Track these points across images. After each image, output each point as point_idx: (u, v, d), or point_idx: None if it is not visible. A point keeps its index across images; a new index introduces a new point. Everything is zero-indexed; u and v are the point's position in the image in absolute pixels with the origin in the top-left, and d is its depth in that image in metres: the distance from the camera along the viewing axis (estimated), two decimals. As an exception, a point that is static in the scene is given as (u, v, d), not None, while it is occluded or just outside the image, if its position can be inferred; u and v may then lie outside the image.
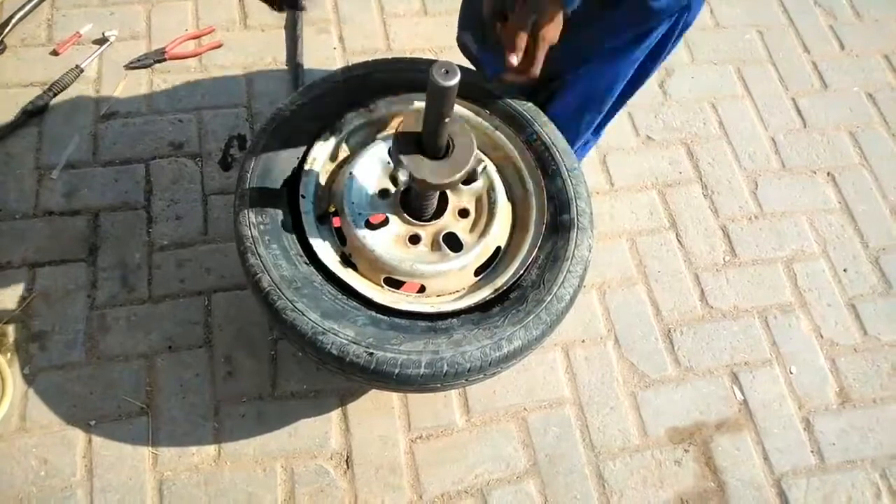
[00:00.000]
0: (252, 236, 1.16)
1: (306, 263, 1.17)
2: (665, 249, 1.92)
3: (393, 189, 1.28)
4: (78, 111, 1.89)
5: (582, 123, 1.55)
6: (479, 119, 1.35)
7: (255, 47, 2.05)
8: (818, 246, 2.00)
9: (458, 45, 1.62)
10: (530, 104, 1.37)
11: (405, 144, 1.09)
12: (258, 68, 2.02)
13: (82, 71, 1.93)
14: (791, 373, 1.81)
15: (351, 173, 1.26)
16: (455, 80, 0.92)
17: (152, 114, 1.92)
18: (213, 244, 1.77)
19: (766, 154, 2.12)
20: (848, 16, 2.42)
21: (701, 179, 2.04)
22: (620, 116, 2.07)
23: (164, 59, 1.98)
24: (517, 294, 1.18)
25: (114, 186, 1.81)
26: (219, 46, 2.03)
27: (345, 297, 1.15)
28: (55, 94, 1.88)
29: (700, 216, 1.98)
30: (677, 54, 2.23)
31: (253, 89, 1.99)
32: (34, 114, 1.85)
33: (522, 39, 1.12)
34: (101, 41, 1.99)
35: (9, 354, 1.60)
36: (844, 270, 1.95)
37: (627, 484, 1.62)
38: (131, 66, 1.95)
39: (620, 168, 2.02)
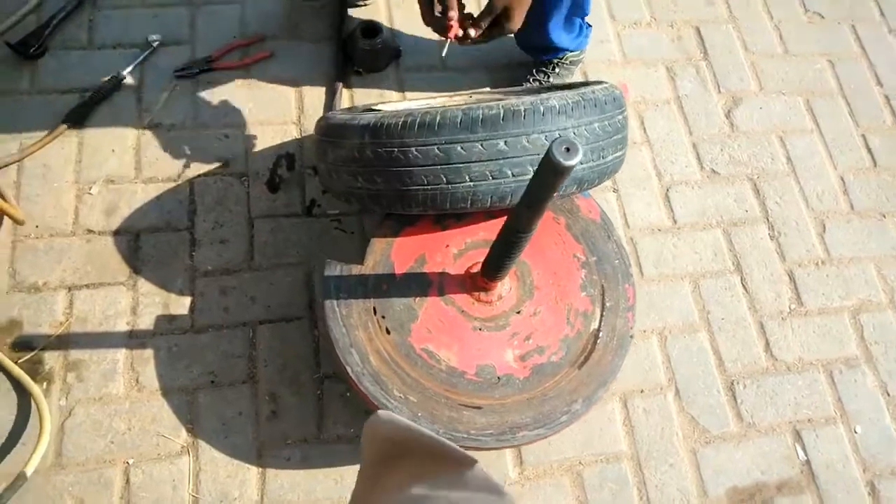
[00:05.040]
0: None
1: None
2: (729, 294, 1.83)
3: None
4: (120, 122, 1.79)
5: None
6: None
7: (307, 59, 1.95)
8: (885, 296, 1.90)
9: None
10: None
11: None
12: (309, 82, 1.92)
13: (124, 78, 1.83)
14: (856, 432, 1.72)
15: None
16: (577, 160, 0.83)
17: (198, 127, 1.82)
18: (259, 271, 1.68)
19: (835, 194, 2.01)
20: (922, 47, 2.30)
21: (767, 219, 1.94)
22: (685, 148, 1.98)
23: (211, 69, 1.88)
24: None
25: (156, 205, 1.72)
26: (268, 57, 1.92)
27: None
28: (96, 103, 1.79)
29: (766, 259, 1.89)
30: (745, 82, 2.12)
31: (304, 105, 1.89)
32: (74, 123, 1.75)
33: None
34: (144, 46, 1.88)
35: (45, 384, 1.52)
36: (914, 324, 1.86)
37: (687, 548, 1.55)
38: (177, 74, 1.85)
39: (683, 204, 1.92)
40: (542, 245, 1.40)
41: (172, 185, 1.75)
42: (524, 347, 1.31)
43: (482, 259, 1.36)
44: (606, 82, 1.41)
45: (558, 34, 1.77)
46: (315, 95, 1.90)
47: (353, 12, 2.02)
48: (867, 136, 2.12)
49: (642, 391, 1.68)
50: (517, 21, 1.34)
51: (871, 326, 1.85)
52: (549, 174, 0.87)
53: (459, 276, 1.35)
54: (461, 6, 1.34)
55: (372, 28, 1.89)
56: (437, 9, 1.34)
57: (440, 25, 1.34)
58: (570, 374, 1.30)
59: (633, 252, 1.83)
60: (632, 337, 1.37)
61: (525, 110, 1.19)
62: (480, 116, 1.18)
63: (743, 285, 1.85)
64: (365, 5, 2.02)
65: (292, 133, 1.85)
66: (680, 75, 2.11)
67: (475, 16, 1.36)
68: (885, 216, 2.01)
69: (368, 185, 1.27)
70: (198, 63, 1.87)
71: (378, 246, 1.36)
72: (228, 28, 1.95)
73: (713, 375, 1.73)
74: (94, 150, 1.75)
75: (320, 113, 1.88)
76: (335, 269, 1.32)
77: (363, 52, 1.90)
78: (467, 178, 1.20)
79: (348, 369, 1.24)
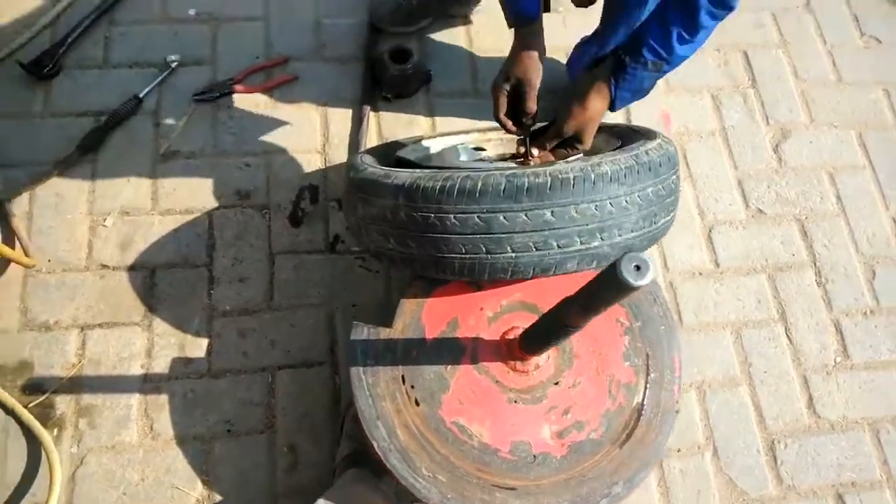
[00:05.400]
0: None
1: None
2: (773, 345, 1.73)
3: None
4: (136, 148, 1.71)
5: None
6: None
7: (333, 82, 1.85)
8: (937, 349, 1.80)
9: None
10: None
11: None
12: (335, 107, 1.82)
13: (141, 101, 1.74)
14: (903, 497, 1.63)
15: None
16: (647, 280, 0.74)
17: (217, 155, 1.73)
18: (279, 312, 1.61)
19: (886, 238, 1.90)
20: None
21: (815, 264, 1.83)
22: (730, 183, 1.88)
23: (232, 92, 1.78)
24: None
25: (173, 239, 1.64)
26: (292, 80, 1.82)
27: None
28: (112, 128, 1.70)
29: (812, 307, 1.78)
30: (795, 113, 2.00)
31: (329, 132, 1.79)
32: (88, 150, 1.67)
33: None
34: (162, 67, 1.79)
35: (56, 430, 1.46)
36: (968, 382, 1.76)
37: None
38: (196, 98, 1.76)
39: (727, 245, 1.82)
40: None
41: (191, 217, 1.67)
42: (562, 423, 1.23)
43: (519, 323, 1.28)
44: (658, 135, 1.31)
45: None
46: (341, 122, 1.81)
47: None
48: (923, 174, 2.00)
49: (679, 450, 1.60)
50: (589, 140, 1.27)
51: (920, 382, 1.75)
52: (614, 290, 0.78)
53: (494, 343, 1.26)
54: (534, 120, 1.34)
55: (402, 52, 1.79)
56: (503, 111, 1.36)
57: (506, 128, 1.39)
58: (611, 452, 1.22)
59: (672, 298, 1.73)
60: (677, 412, 1.28)
61: (574, 178, 1.10)
62: (526, 185, 1.09)
63: (787, 335, 1.75)
64: (402, 33, 1.90)
65: (316, 163, 1.76)
66: (726, 104, 1.99)
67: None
68: (940, 262, 1.89)
69: (401, 248, 1.18)
70: (218, 86, 1.78)
71: (408, 307, 1.27)
72: (251, 48, 1.85)
73: (753, 433, 1.64)
74: (109, 179, 1.67)
75: (346, 141, 1.79)
76: (362, 333, 1.24)
77: (393, 77, 1.79)
78: (509, 248, 1.11)
79: (374, 444, 1.17)
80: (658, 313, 1.34)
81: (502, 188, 1.09)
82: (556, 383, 1.25)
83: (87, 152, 1.67)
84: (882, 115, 2.05)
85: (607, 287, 0.79)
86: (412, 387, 1.21)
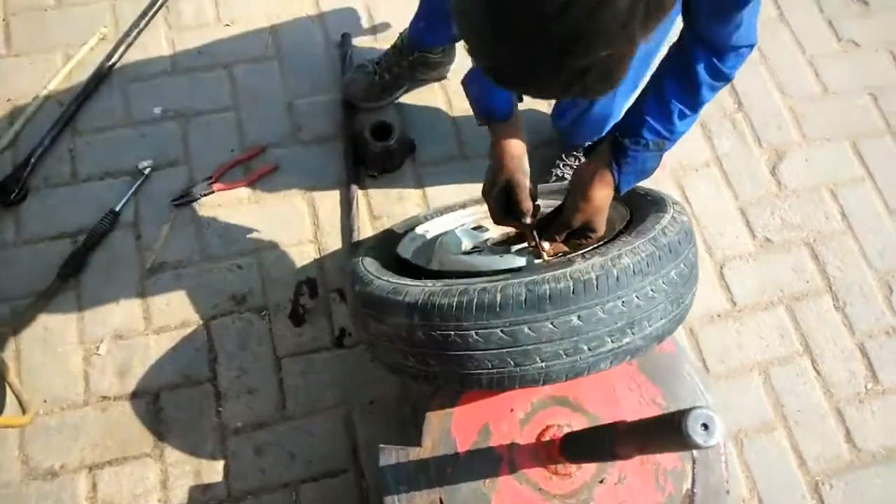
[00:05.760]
0: None
1: None
2: (801, 381, 1.69)
3: None
4: (120, 266, 1.63)
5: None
6: None
7: (314, 165, 1.78)
8: (965, 358, 1.77)
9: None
10: None
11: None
12: (321, 191, 1.75)
13: (118, 214, 1.66)
14: (954, 522, 1.60)
15: None
16: (717, 439, 0.68)
17: (206, 261, 1.65)
18: (294, 420, 1.53)
19: (897, 248, 1.87)
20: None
21: (831, 289, 1.79)
22: (733, 215, 1.83)
23: (212, 192, 1.71)
24: None
25: (172, 358, 1.56)
26: (273, 169, 1.75)
27: None
28: (91, 248, 1.62)
29: (835, 335, 1.74)
30: (786, 131, 1.96)
31: (318, 219, 1.72)
32: (70, 275, 1.59)
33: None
34: (135, 174, 1.71)
35: (75, 588, 1.37)
36: None
37: None
38: (176, 203, 1.68)
39: (740, 281, 1.77)
40: (617, 396, 1.25)
41: (187, 331, 1.59)
42: (613, 526, 1.17)
43: (552, 421, 1.22)
44: (668, 203, 1.25)
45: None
46: (330, 206, 1.74)
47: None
48: (921, 177, 1.97)
49: (724, 507, 1.55)
50: (602, 228, 1.21)
51: (952, 394, 1.72)
52: (677, 445, 0.72)
53: (531, 447, 1.19)
54: (535, 213, 1.26)
55: (383, 128, 1.72)
56: (499, 217, 1.28)
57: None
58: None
59: (694, 345, 1.69)
60: (728, 492, 1.22)
61: (597, 277, 1.04)
62: (548, 292, 1.02)
63: (815, 368, 1.70)
64: (379, 107, 1.84)
65: (310, 253, 1.69)
66: (716, 132, 1.95)
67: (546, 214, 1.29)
68: (952, 266, 1.87)
69: (421, 367, 1.11)
70: (196, 187, 1.70)
71: (435, 421, 1.20)
72: (225, 141, 1.78)
73: (796, 477, 1.59)
74: (97, 303, 1.59)
75: (338, 226, 1.72)
76: (391, 458, 1.17)
77: (376, 154, 1.73)
78: (538, 359, 1.05)
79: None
80: (691, 386, 1.28)
81: (523, 299, 1.03)
82: (601, 481, 1.19)
83: (69, 278, 1.59)
84: (873, 122, 2.02)
85: (671, 442, 0.73)
86: (452, 509, 1.15)
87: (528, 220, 1.24)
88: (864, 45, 2.13)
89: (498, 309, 1.03)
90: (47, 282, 1.58)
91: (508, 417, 1.22)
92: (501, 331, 1.03)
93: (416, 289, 1.11)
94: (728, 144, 1.94)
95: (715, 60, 1.11)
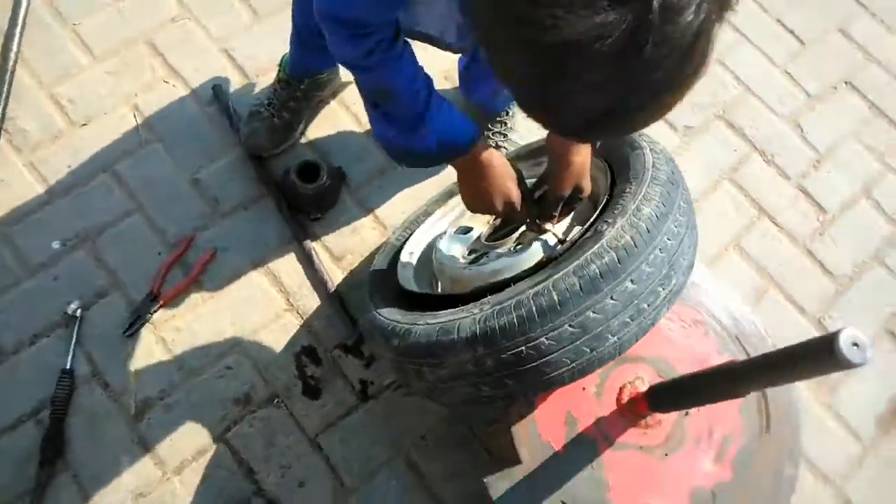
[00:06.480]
0: None
1: None
2: (769, 240, 1.82)
3: None
4: (103, 424, 1.45)
5: None
6: None
7: (251, 232, 1.65)
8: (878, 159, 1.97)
9: None
10: None
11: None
12: (274, 257, 1.63)
13: (72, 371, 1.47)
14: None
15: None
16: (870, 354, 0.71)
17: (190, 378, 1.51)
18: (358, 493, 1.46)
19: (791, 92, 2.03)
20: None
21: (756, 148, 1.92)
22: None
23: (160, 304, 1.54)
24: None
25: (207, 490, 1.43)
26: (213, 256, 1.61)
27: None
28: (61, 419, 1.43)
29: (776, 187, 1.89)
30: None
31: (284, 285, 1.61)
32: (54, 458, 1.40)
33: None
34: (67, 320, 1.51)
35: None
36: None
37: None
38: (127, 333, 1.51)
39: (685, 175, 1.86)
40: (662, 331, 1.28)
41: (208, 457, 1.46)
42: (714, 446, 1.22)
43: (620, 381, 1.25)
44: (637, 143, 1.27)
45: None
46: (289, 268, 1.63)
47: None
48: (782, 21, 2.13)
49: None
50: (588, 185, 1.22)
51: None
52: (824, 369, 0.75)
53: (615, 414, 1.22)
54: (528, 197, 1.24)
55: (309, 167, 1.62)
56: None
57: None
58: (766, 441, 1.24)
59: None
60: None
61: (632, 237, 1.05)
62: (598, 271, 1.02)
63: (774, 224, 1.84)
64: (288, 147, 1.72)
65: (293, 322, 1.59)
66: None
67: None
68: (843, 84, 2.05)
69: (498, 391, 1.09)
70: (141, 307, 1.54)
71: (523, 432, 1.19)
72: (146, 247, 1.60)
73: (803, 325, 1.74)
74: (97, 473, 1.41)
75: (307, 284, 1.62)
76: (500, 486, 1.15)
77: (311, 198, 1.63)
78: (609, 336, 1.05)
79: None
80: (715, 294, 1.35)
81: (579, 287, 1.02)
82: (687, 413, 1.24)
83: (55, 461, 1.40)
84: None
85: (817, 366, 0.76)
86: (576, 505, 1.15)
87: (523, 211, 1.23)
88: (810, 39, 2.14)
89: (559, 307, 1.02)
90: (31, 477, 1.38)
91: (583, 397, 1.23)
92: (570, 325, 1.02)
93: (465, 320, 1.07)
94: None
95: None
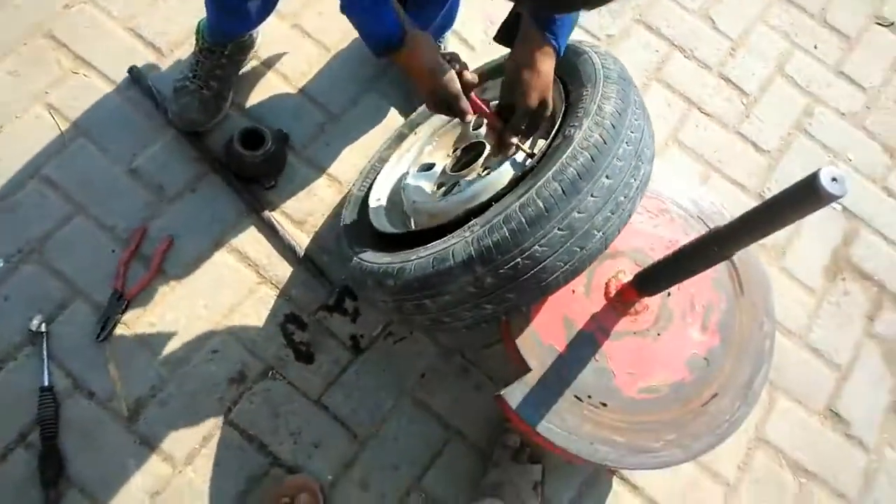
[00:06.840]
0: None
1: None
2: (700, 130, 1.91)
3: None
4: (99, 433, 1.40)
5: None
6: None
7: (204, 212, 1.60)
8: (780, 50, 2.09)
9: None
10: None
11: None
12: (235, 233, 1.59)
13: (52, 388, 1.41)
14: None
15: None
16: (849, 186, 0.78)
17: (179, 368, 1.47)
18: (373, 440, 1.48)
19: (694, -15, 2.11)
20: None
21: (675, 45, 2.00)
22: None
23: (127, 303, 1.49)
24: None
25: (224, 474, 1.41)
26: (171, 242, 1.55)
27: None
28: (52, 438, 1.37)
29: (700, 78, 1.98)
30: None
31: (251, 259, 1.58)
32: (55, 480, 1.34)
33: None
34: (34, 337, 1.44)
35: None
36: None
37: None
38: (102, 338, 1.45)
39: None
40: (632, 223, 1.34)
41: (215, 441, 1.44)
42: (698, 317, 1.31)
43: (603, 277, 1.31)
44: (580, 49, 1.30)
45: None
46: (252, 240, 1.60)
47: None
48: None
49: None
50: (551, 101, 1.24)
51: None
52: (810, 206, 0.81)
53: (606, 308, 1.28)
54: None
55: (251, 134, 1.58)
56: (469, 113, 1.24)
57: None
58: (742, 303, 1.33)
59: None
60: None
61: (600, 135, 1.09)
62: (576, 172, 1.06)
63: (704, 113, 1.94)
64: (223, 118, 1.66)
65: (269, 294, 1.56)
66: None
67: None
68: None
69: (501, 307, 1.12)
70: (109, 309, 1.48)
71: (526, 342, 1.24)
72: (98, 247, 1.53)
73: (748, 204, 1.85)
74: (106, 482, 1.37)
75: (273, 254, 1.59)
76: (517, 395, 1.20)
77: (258, 166, 1.59)
78: (596, 232, 1.10)
79: (610, 465, 1.18)
80: (673, 179, 1.42)
81: (561, 191, 1.06)
82: (669, 294, 1.32)
83: (57, 482, 1.34)
84: None
85: (801, 207, 0.82)
86: (589, 396, 1.22)
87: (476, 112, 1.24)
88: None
89: (546, 213, 1.05)
90: (37, 502, 1.33)
91: (575, 299, 1.29)
92: (558, 229, 1.07)
93: (458, 245, 1.10)
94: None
95: None
